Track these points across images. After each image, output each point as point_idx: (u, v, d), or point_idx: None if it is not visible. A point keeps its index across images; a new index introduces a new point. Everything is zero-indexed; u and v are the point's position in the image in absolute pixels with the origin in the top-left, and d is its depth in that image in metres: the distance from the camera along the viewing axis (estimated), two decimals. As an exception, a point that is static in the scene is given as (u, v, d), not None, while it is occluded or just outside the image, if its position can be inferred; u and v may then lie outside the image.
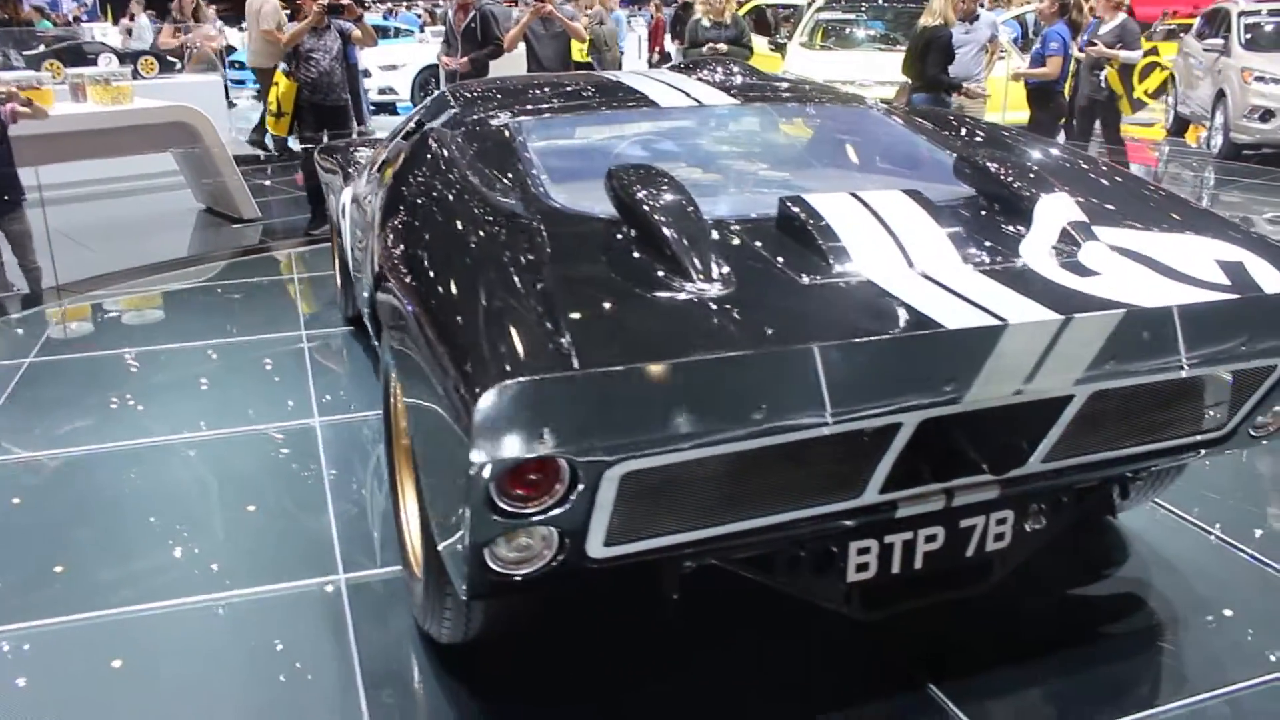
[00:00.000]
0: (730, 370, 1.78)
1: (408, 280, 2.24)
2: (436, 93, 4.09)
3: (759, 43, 12.71)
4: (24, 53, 12.89)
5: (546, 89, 3.54)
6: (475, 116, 3.18)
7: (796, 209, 2.31)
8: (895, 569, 2.25)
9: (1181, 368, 2.11)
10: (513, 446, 1.68)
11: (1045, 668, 2.56)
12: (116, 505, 3.51)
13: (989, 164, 2.64)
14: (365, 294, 3.36)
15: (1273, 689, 2.49)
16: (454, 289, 2.09)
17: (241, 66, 18.25)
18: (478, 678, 2.56)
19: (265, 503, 3.51)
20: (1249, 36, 11.07)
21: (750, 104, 3.44)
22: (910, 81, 7.56)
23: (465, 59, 8.18)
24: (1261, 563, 3.00)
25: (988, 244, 2.31)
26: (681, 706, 2.47)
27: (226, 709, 2.49)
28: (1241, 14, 11.23)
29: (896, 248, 2.22)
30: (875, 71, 10.11)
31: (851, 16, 12.36)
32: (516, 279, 2.05)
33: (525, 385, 1.66)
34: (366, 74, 14.17)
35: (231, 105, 14.59)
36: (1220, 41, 11.31)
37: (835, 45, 11.80)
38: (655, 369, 1.74)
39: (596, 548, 1.93)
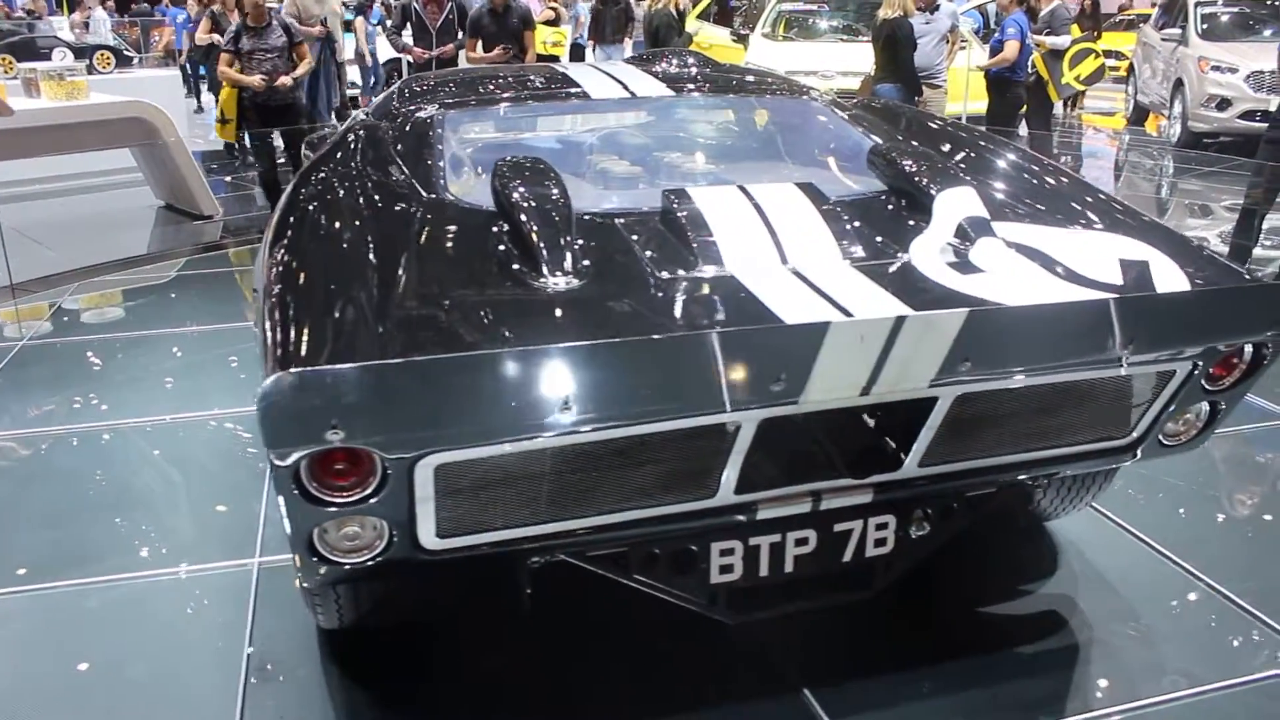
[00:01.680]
0: (539, 365, 1.71)
1: (269, 265, 2.23)
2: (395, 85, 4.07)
3: (720, 34, 12.74)
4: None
5: (489, 81, 3.54)
6: (406, 108, 3.20)
7: (676, 203, 2.31)
8: (764, 572, 2.21)
9: (1057, 371, 2.06)
10: (302, 436, 1.67)
11: (936, 680, 2.51)
12: (56, 484, 3.58)
13: (899, 158, 2.61)
14: None
15: (1177, 708, 2.42)
16: (298, 276, 2.09)
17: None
18: (361, 664, 2.59)
19: (204, 487, 3.55)
20: (1205, 26, 11.19)
21: (685, 96, 3.42)
22: (874, 72, 7.60)
23: (438, 51, 8.09)
24: (1193, 576, 2.92)
25: (875, 240, 2.29)
26: (548, 703, 2.46)
27: (103, 682, 2.56)
28: (1198, 4, 11.35)
29: (772, 243, 2.20)
30: (838, 62, 10.14)
31: (814, 8, 12.38)
32: (365, 269, 2.06)
33: (311, 375, 1.64)
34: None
35: (199, 110, 14.34)
36: (1178, 31, 11.43)
37: (798, 36, 11.81)
38: (459, 362, 1.70)
39: (430, 539, 1.93)
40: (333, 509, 1.81)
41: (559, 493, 1.98)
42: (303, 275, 2.09)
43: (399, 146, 2.84)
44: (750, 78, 3.68)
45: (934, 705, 2.44)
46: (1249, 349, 2.25)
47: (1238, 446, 3.88)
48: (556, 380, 1.71)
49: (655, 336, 1.80)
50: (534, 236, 2.14)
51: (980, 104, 9.25)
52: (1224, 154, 10.14)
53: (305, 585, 2.13)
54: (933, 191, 2.42)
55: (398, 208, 2.39)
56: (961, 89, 9.62)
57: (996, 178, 2.70)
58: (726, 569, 2.19)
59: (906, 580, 2.61)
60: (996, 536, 3.09)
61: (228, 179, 9.74)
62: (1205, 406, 2.36)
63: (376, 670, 2.57)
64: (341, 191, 2.54)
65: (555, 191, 2.29)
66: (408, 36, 8.39)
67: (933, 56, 7.78)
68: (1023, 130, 9.55)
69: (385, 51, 14.00)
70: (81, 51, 13.51)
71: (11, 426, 4.10)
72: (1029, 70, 8.50)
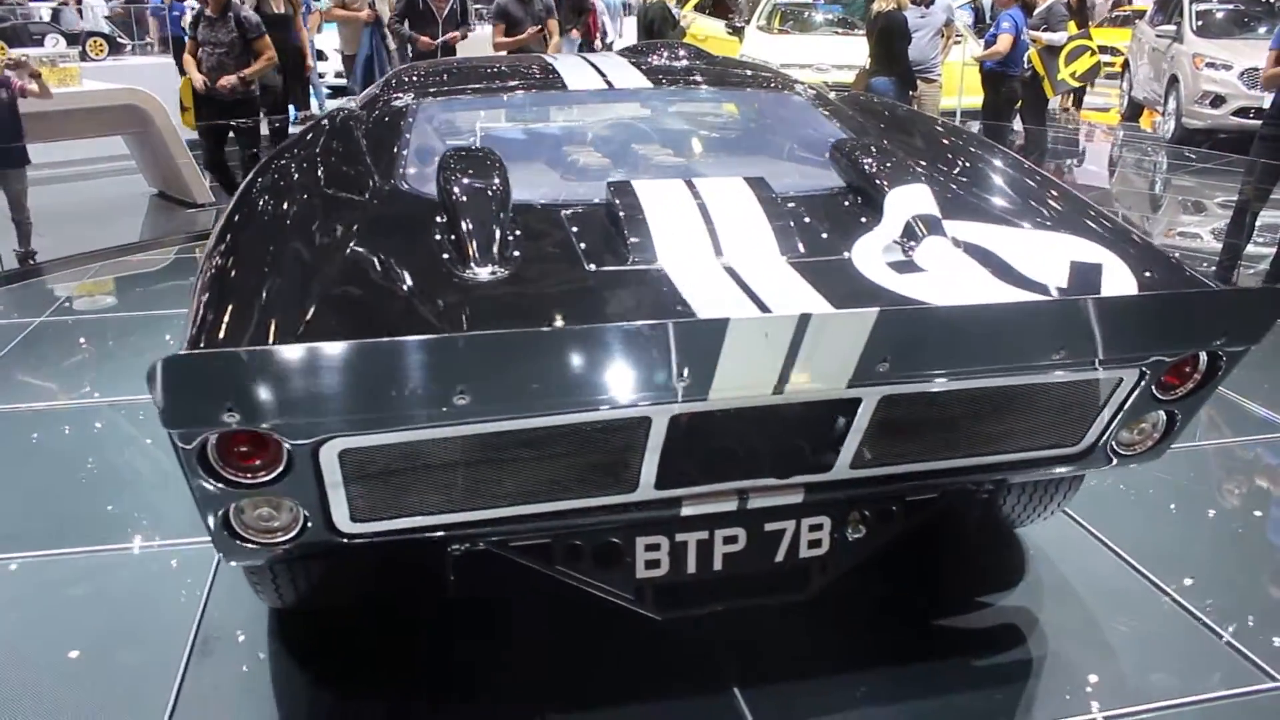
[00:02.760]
0: (435, 354, 1.70)
1: (207, 249, 2.25)
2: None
3: (715, 27, 12.73)
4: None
5: (475, 72, 3.55)
6: (386, 97, 3.23)
7: (618, 195, 2.32)
8: (691, 569, 2.19)
9: (989, 376, 2.01)
10: (197, 417, 1.69)
11: (874, 687, 2.47)
12: (41, 459, 3.65)
13: (857, 154, 2.59)
14: None
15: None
16: (227, 260, 2.12)
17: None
18: (304, 643, 2.63)
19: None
20: (1200, 23, 11.21)
21: (663, 89, 3.39)
22: (868, 66, 7.60)
23: (446, 37, 8.04)
24: (1159, 589, 2.84)
25: (818, 237, 2.28)
26: (472, 694, 2.47)
27: (48, 649, 2.62)
28: (1193, 1, 11.37)
29: (709, 237, 2.21)
30: (833, 55, 10.15)
31: (809, 0, 12.38)
32: (293, 255, 2.09)
33: (200, 358, 1.65)
34: (322, 57, 14.02)
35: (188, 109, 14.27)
36: (1172, 28, 11.45)
37: (793, 29, 11.82)
38: (353, 349, 1.68)
39: (345, 523, 1.95)
40: (241, 490, 1.83)
41: (474, 482, 1.98)
42: (231, 259, 2.12)
43: (368, 135, 2.87)
44: (735, 71, 3.67)
45: (866, 713, 2.40)
46: (1204, 358, 2.18)
47: (1227, 457, 3.80)
48: (452, 370, 1.70)
49: (547, 329, 1.77)
50: (463, 226, 2.17)
51: (975, 99, 9.26)
52: (1217, 150, 10.16)
53: (232, 564, 2.15)
54: (886, 189, 2.41)
55: (344, 196, 2.42)
56: (956, 83, 9.64)
57: (962, 175, 2.68)
58: (652, 564, 2.18)
59: (859, 583, 2.62)
60: (963, 542, 3.06)
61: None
62: (1161, 416, 2.30)
63: (317, 649, 2.62)
64: (294, 178, 2.58)
65: (493, 182, 2.31)
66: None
67: (928, 50, 7.80)
68: (1017, 125, 9.57)
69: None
70: (74, 38, 13.45)
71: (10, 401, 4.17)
72: (1024, 66, 8.50)
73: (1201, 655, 2.60)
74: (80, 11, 15.88)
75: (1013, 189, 2.59)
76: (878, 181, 2.45)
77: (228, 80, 6.98)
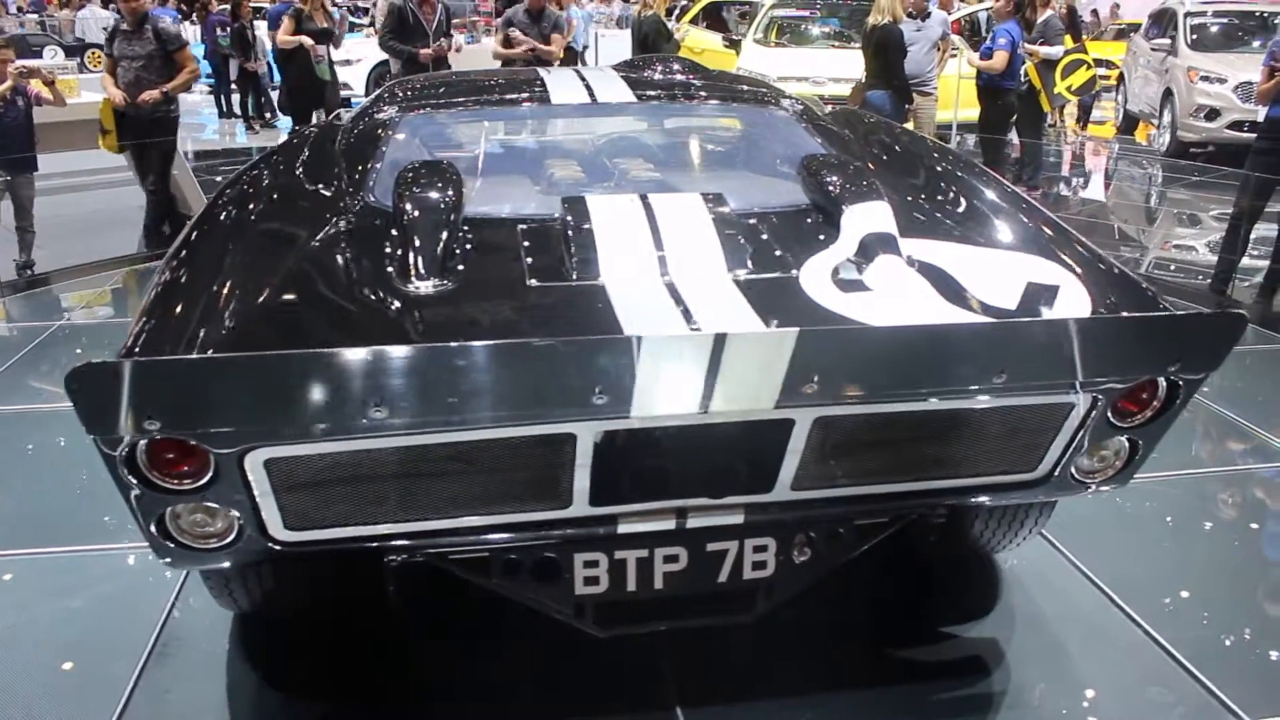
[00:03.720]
0: (352, 367, 1.70)
1: (167, 256, 2.27)
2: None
3: (712, 39, 12.76)
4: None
5: (465, 84, 3.58)
6: (373, 110, 3.26)
7: (570, 211, 2.34)
8: (631, 586, 2.18)
9: (930, 398, 1.97)
10: (116, 425, 1.70)
11: (822, 713, 2.44)
12: (38, 459, 3.77)
13: (822, 171, 2.58)
14: None
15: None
16: (177, 269, 2.16)
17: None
18: (262, 648, 2.69)
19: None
20: (1195, 37, 11.26)
21: (645, 103, 3.39)
22: (864, 79, 7.61)
23: (435, 48, 8.04)
24: (1135, 623, 2.78)
25: (769, 255, 2.27)
26: (409, 706, 2.49)
27: (14, 644, 2.71)
28: (1188, 14, 11.42)
29: (655, 254, 2.21)
30: (829, 69, 10.17)
31: (806, 13, 12.41)
32: (242, 265, 2.13)
33: (114, 366, 1.66)
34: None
35: (225, 114, 14.28)
36: (1167, 41, 11.50)
37: (790, 42, 11.85)
38: (268, 360, 1.71)
39: (279, 531, 1.98)
40: (171, 496, 1.86)
41: (405, 494, 1.99)
42: (181, 270, 2.16)
43: (347, 147, 2.90)
44: (723, 86, 3.66)
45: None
46: (1163, 384, 2.12)
47: (1220, 484, 3.68)
48: (366, 383, 1.71)
49: (455, 344, 1.77)
50: (407, 239, 2.20)
51: (971, 112, 9.28)
52: (1212, 164, 10.19)
53: (170, 567, 2.17)
54: (844, 206, 2.39)
55: (305, 208, 2.46)
56: (952, 96, 9.66)
57: (935, 193, 2.66)
58: (591, 580, 2.17)
59: (817, 607, 2.64)
60: (937, 567, 3.03)
61: (217, 179, 9.70)
62: (1123, 443, 2.24)
63: (276, 655, 2.66)
64: (262, 190, 2.61)
65: (444, 196, 2.33)
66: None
67: (924, 64, 7.81)
68: (1012, 138, 9.59)
69: (375, 55, 14.00)
70: (71, 50, 13.46)
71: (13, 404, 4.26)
72: (1021, 79, 8.53)
73: (1170, 692, 2.54)
74: (73, 24, 15.87)
75: (983, 208, 2.56)
76: (837, 198, 2.43)
77: (149, 94, 6.57)
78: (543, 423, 1.86)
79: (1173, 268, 7.22)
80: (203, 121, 14.54)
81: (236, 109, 14.30)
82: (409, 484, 1.98)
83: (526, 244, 2.29)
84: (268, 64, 13.24)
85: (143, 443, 1.78)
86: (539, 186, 2.86)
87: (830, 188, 2.49)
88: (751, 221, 2.42)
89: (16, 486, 3.55)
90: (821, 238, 2.36)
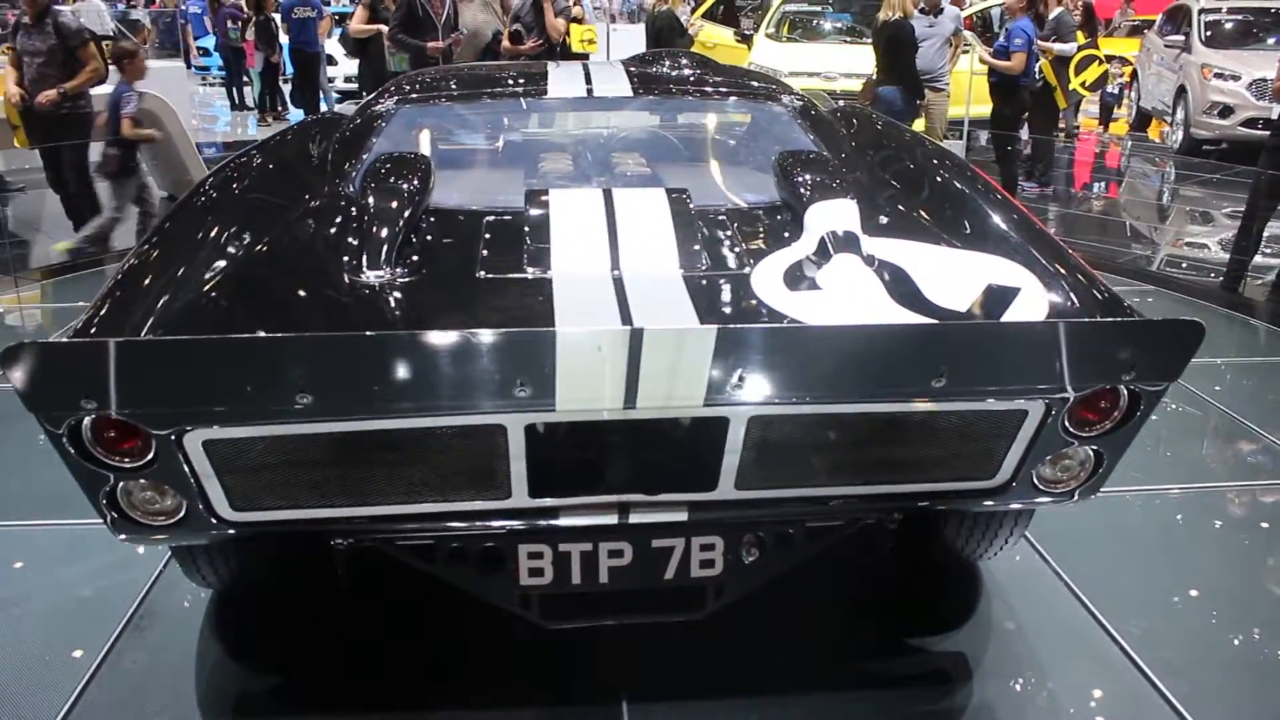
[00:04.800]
0: (281, 353, 1.77)
1: (138, 241, 2.34)
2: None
3: (725, 34, 12.74)
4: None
5: (467, 77, 3.60)
6: (372, 102, 3.31)
7: (531, 204, 2.38)
8: (576, 580, 2.16)
9: (859, 400, 1.94)
10: (54, 403, 1.77)
11: (770, 715, 2.40)
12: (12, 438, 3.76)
13: (792, 168, 2.56)
14: None
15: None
16: (144, 254, 2.22)
17: (206, 53, 18.00)
18: (240, 631, 2.71)
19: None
20: (1209, 34, 11.21)
21: (644, 98, 3.38)
22: (875, 75, 7.60)
23: (448, 42, 8.02)
24: (1114, 640, 2.68)
25: (726, 252, 2.27)
26: (351, 694, 2.50)
27: None
28: (1202, 11, 11.37)
29: (609, 250, 2.22)
30: (841, 64, 10.15)
31: (818, 9, 12.39)
32: (205, 252, 2.20)
33: (47, 347, 1.71)
34: (332, 62, 14.08)
35: (238, 106, 14.25)
36: (1181, 38, 11.46)
37: (802, 38, 11.82)
38: (197, 344, 1.79)
39: (226, 510, 2.02)
40: (116, 473, 1.91)
41: (345, 478, 2.03)
42: (146, 253, 2.22)
43: (340, 139, 2.95)
44: (725, 81, 3.63)
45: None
46: (1124, 393, 2.05)
47: (1220, 500, 3.50)
48: (294, 370, 1.76)
49: (372, 334, 1.80)
50: (364, 231, 2.25)
51: (984, 108, 9.26)
52: (1225, 161, 10.16)
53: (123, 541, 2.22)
54: (808, 204, 2.38)
55: (278, 198, 2.53)
56: (964, 92, 9.63)
57: (914, 192, 2.63)
58: (536, 572, 2.16)
59: (781, 608, 2.65)
60: (917, 574, 2.97)
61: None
62: (1089, 453, 2.16)
63: (250, 633, 2.71)
64: (244, 178, 2.67)
65: (408, 186, 2.39)
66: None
67: (936, 60, 7.79)
68: (1024, 134, 9.57)
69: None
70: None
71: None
72: (1035, 76, 8.51)
73: (1140, 712, 2.46)
74: (74, 15, 15.86)
75: (963, 209, 2.53)
76: (803, 196, 2.42)
77: (45, 96, 6.33)
78: (471, 413, 1.88)
79: (1185, 265, 7.20)
80: (215, 113, 14.59)
81: (249, 101, 14.33)
82: (348, 469, 2.01)
83: (487, 236, 2.34)
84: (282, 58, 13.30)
85: (87, 421, 1.82)
86: (516, 179, 2.89)
87: (800, 185, 2.47)
88: (718, 218, 2.43)
89: (3, 460, 3.61)
90: (786, 235, 2.36)
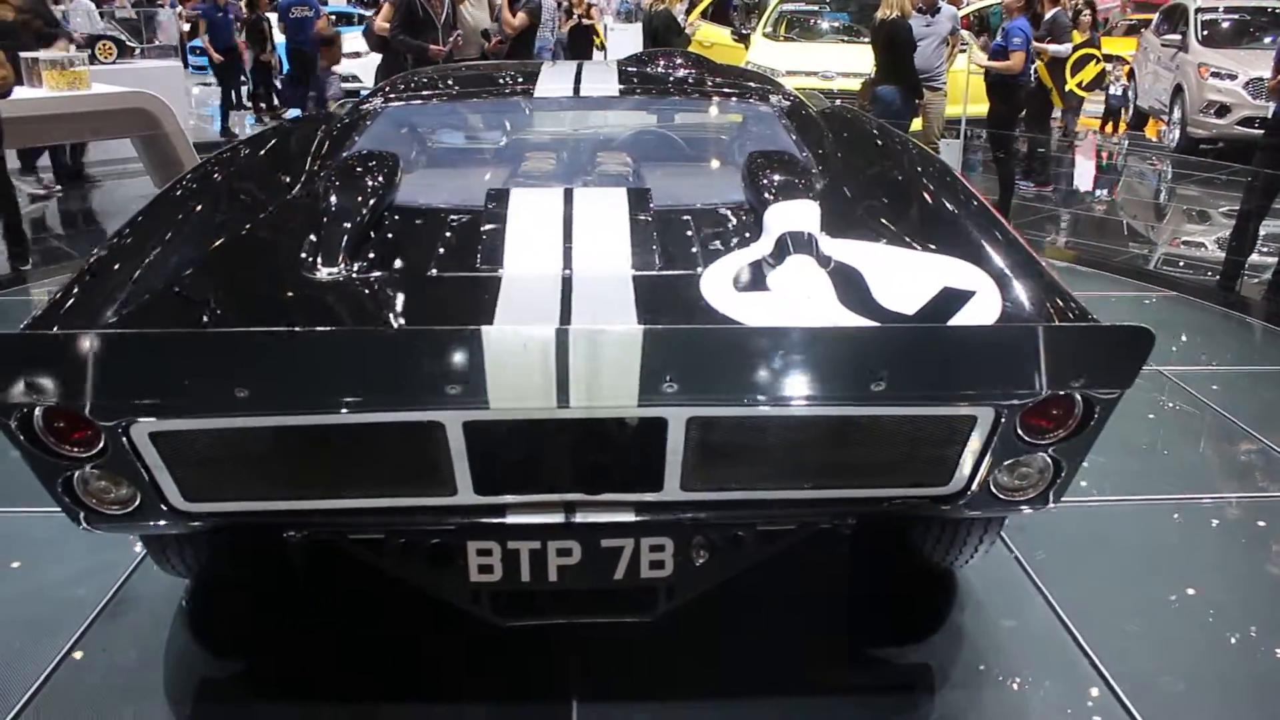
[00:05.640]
0: (222, 349, 1.81)
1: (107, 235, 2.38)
2: None
3: (722, 33, 12.75)
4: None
5: (456, 78, 3.62)
6: (362, 100, 3.37)
7: (490, 203, 2.42)
8: (525, 578, 2.16)
9: (793, 402, 1.91)
10: (2, 394, 1.81)
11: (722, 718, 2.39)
12: None
13: (758, 169, 2.56)
14: None
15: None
16: (112, 244, 2.27)
17: (201, 53, 17.91)
18: (214, 620, 2.74)
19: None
20: (1205, 33, 11.23)
21: (629, 97, 3.39)
22: (873, 74, 7.61)
23: (450, 44, 8.00)
24: (1085, 654, 2.61)
25: (680, 253, 2.27)
26: (301, 691, 2.51)
27: None
28: (1198, 10, 11.40)
29: (562, 249, 2.24)
30: (838, 63, 10.17)
31: (815, 8, 12.40)
32: (166, 245, 2.26)
33: (11, 340, 1.80)
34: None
35: (235, 105, 14.18)
36: (1177, 37, 11.48)
37: (799, 37, 11.83)
38: (137, 338, 1.85)
39: (178, 501, 2.05)
40: (67, 463, 1.95)
41: (292, 471, 2.06)
42: (113, 246, 2.28)
43: (324, 137, 3.00)
44: (714, 80, 3.60)
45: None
46: (1079, 400, 1.99)
47: (1219, 514, 3.39)
48: (231, 365, 1.80)
49: (301, 330, 1.86)
50: (321, 228, 2.29)
51: (981, 107, 9.26)
52: (1222, 160, 10.18)
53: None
54: (768, 205, 2.38)
55: (256, 193, 2.58)
56: (961, 91, 9.64)
57: (884, 194, 2.63)
58: (486, 569, 2.16)
59: (742, 610, 2.64)
60: (895, 581, 2.93)
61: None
62: (1046, 461, 2.11)
63: (218, 620, 2.74)
64: (218, 176, 2.73)
65: (371, 185, 2.43)
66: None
67: (933, 59, 7.79)
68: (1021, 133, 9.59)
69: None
70: (80, 43, 13.46)
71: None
72: (1031, 76, 8.53)
73: None
74: (65, 16, 15.78)
75: (931, 211, 2.52)
76: (765, 196, 2.42)
77: None
78: (407, 410, 1.90)
79: (1181, 264, 7.21)
80: (212, 114, 14.57)
81: (246, 100, 14.33)
82: (293, 463, 2.04)
83: (446, 235, 2.36)
84: (278, 57, 13.30)
85: (39, 410, 1.86)
86: (491, 178, 2.90)
87: (765, 186, 2.47)
88: (680, 218, 2.43)
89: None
90: (747, 235, 2.35)
